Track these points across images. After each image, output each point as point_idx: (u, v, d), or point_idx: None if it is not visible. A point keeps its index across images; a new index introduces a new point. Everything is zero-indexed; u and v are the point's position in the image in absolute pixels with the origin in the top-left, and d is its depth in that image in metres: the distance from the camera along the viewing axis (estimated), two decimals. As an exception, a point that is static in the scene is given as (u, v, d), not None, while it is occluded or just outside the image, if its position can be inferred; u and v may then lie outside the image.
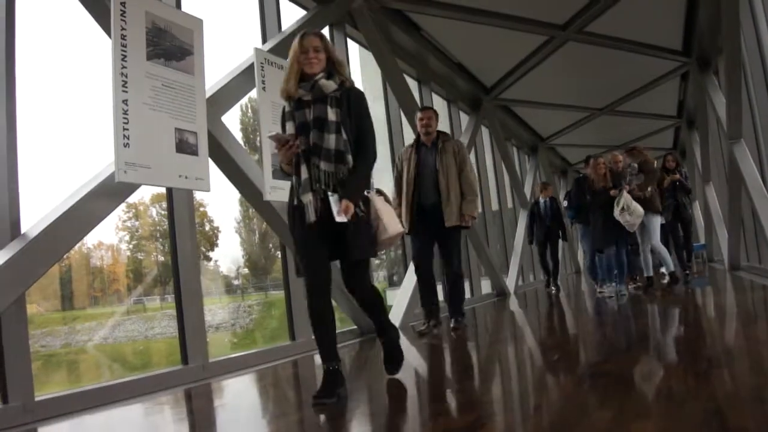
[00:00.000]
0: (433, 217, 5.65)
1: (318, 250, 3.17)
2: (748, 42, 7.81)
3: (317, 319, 3.14)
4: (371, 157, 3.29)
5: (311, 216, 3.12)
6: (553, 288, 10.63)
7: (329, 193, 3.10)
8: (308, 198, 3.13)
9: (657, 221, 8.12)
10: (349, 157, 3.17)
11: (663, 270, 9.47)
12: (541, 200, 10.66)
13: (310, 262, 3.15)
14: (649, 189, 7.97)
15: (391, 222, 3.38)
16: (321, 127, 3.15)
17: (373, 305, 3.46)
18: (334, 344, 3.18)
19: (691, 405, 2.26)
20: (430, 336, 5.55)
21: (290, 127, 3.25)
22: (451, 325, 5.81)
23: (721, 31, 7.85)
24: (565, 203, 9.80)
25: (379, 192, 3.48)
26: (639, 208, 7.56)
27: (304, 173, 3.16)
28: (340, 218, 3.05)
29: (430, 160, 5.76)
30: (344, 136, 3.16)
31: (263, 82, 5.13)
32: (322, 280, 3.16)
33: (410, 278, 7.54)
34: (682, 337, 4.38)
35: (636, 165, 7.95)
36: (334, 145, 3.13)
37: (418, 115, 5.98)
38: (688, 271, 9.38)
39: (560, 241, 10.92)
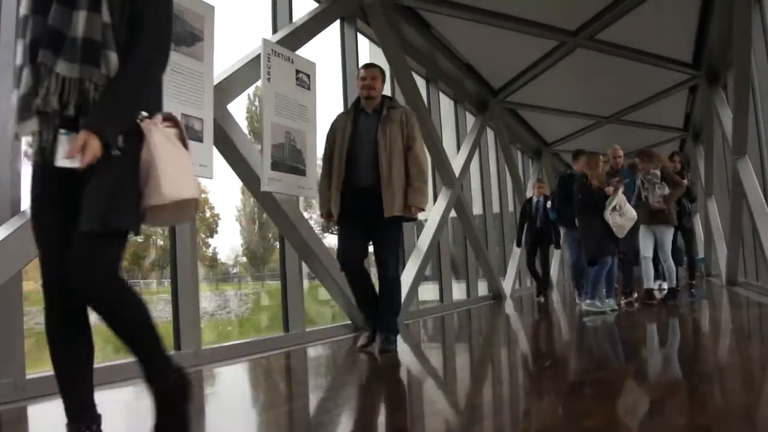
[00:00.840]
0: (369, 203, 4.48)
1: (46, 220, 1.94)
2: (758, 58, 7.80)
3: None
4: (153, 55, 2.03)
5: (34, 158, 1.93)
6: (541, 297, 9.60)
7: (61, 131, 1.85)
8: (31, 127, 1.89)
9: (670, 235, 7.36)
10: (112, 56, 1.90)
11: (663, 284, 8.13)
12: (534, 199, 9.75)
13: (38, 240, 1.95)
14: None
15: (174, 175, 1.93)
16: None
17: (112, 325, 1.93)
18: None
19: (680, 420, 2.26)
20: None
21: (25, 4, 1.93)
22: (379, 346, 4.51)
23: (732, 46, 7.84)
24: (548, 203, 9.05)
25: (168, 119, 2.06)
26: (632, 211, 6.83)
27: (26, 81, 1.88)
28: (63, 162, 1.82)
29: (370, 131, 4.58)
30: (105, 16, 1.90)
31: (269, 73, 5.12)
32: (54, 268, 1.91)
33: (407, 274, 7.55)
34: (675, 351, 4.38)
35: (658, 173, 7.20)
36: (82, 30, 1.88)
37: (360, 73, 4.81)
38: (693, 287, 8.87)
39: (552, 246, 9.76)
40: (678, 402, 2.58)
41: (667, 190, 7.15)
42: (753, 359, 3.65)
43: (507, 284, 11.68)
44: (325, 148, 4.78)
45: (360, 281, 4.71)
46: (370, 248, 4.81)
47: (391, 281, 4.65)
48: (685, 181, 7.91)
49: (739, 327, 5.56)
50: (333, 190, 4.57)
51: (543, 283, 9.74)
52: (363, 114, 4.70)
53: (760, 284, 8.71)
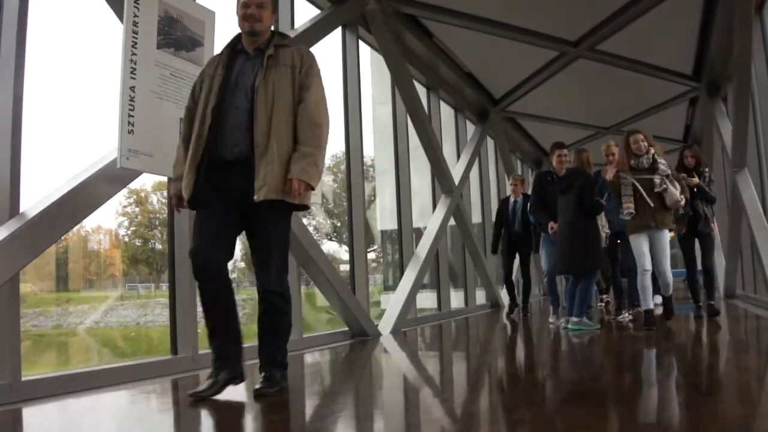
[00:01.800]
0: (239, 182, 3.13)
1: None
2: (759, 71, 7.82)
3: None
4: None
5: None
6: (519, 314, 8.48)
7: None
8: None
9: (668, 239, 5.99)
10: None
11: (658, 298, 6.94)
12: (511, 199, 8.53)
13: None
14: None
15: None
16: None
17: None
18: None
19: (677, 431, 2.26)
20: (210, 392, 3.14)
21: None
22: (257, 385, 3.22)
23: (732, 58, 7.86)
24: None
25: None
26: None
27: None
28: None
29: (248, 77, 3.25)
30: None
31: (272, 78, 5.11)
32: None
33: (405, 282, 7.55)
34: (672, 363, 4.37)
35: (666, 163, 5.95)
36: None
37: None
38: (712, 301, 6.91)
39: (533, 253, 8.41)
40: (675, 414, 2.57)
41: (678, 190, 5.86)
42: (751, 371, 3.64)
43: (505, 293, 11.66)
44: (188, 104, 3.39)
45: (217, 295, 3.23)
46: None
47: (274, 296, 3.22)
48: (695, 180, 6.69)
49: (736, 339, 5.55)
50: (188, 163, 3.21)
51: (524, 296, 8.60)
52: (242, 56, 3.34)
53: (758, 297, 8.70)
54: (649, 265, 5.81)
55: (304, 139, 3.19)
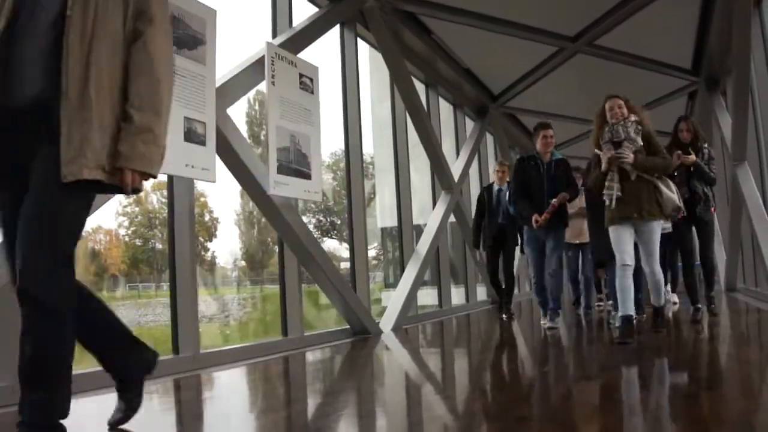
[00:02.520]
0: (29, 139, 2.15)
1: None
2: (758, 64, 7.82)
3: None
4: None
5: None
6: (503, 315, 7.46)
7: None
8: None
9: (658, 229, 4.89)
10: None
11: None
12: (495, 187, 7.62)
13: None
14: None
15: None
16: None
17: None
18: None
19: (679, 426, 2.26)
20: None
21: None
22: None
23: (731, 52, 7.85)
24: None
25: None
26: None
27: None
28: None
29: None
30: None
31: (273, 76, 5.12)
32: None
33: (406, 279, 7.55)
34: (673, 357, 4.37)
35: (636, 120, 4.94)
36: None
37: None
38: (713, 305, 6.18)
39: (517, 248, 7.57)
40: (676, 408, 2.57)
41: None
42: (752, 365, 3.64)
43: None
44: None
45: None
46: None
47: (31, 303, 2.13)
48: (691, 157, 5.74)
49: (738, 332, 5.55)
50: None
51: (506, 295, 7.64)
52: None
53: (759, 290, 8.71)
54: (630, 260, 4.73)
55: (137, 98, 2.18)
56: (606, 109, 4.96)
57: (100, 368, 2.55)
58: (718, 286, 8.55)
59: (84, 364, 3.08)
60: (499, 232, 7.37)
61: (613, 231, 4.80)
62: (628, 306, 4.68)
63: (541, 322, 6.18)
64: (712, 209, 5.97)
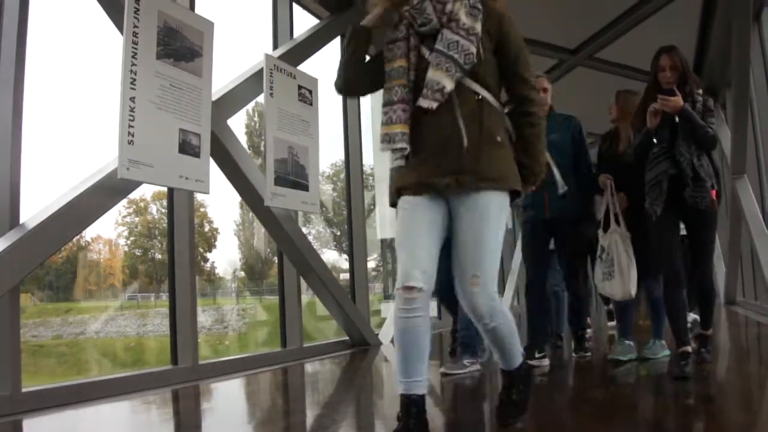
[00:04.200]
0: None
1: None
2: (757, 77, 7.84)
3: None
4: None
5: None
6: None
7: None
8: None
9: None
10: None
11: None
12: None
13: None
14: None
15: None
16: None
17: None
18: None
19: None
20: None
21: None
22: None
23: (730, 65, 7.88)
24: None
25: None
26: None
27: None
28: None
29: None
30: None
31: (271, 88, 5.14)
32: None
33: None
34: (673, 371, 4.35)
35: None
36: None
37: None
38: (704, 349, 3.95)
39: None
40: (676, 422, 2.57)
41: None
42: (752, 379, 3.63)
43: (505, 301, 11.66)
44: None
45: None
46: None
47: None
48: (675, 99, 3.74)
49: (738, 346, 5.54)
50: None
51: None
52: None
53: (758, 303, 8.69)
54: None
55: None
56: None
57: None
58: (717, 299, 8.24)
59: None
60: None
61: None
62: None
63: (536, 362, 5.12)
64: (713, 194, 3.59)
